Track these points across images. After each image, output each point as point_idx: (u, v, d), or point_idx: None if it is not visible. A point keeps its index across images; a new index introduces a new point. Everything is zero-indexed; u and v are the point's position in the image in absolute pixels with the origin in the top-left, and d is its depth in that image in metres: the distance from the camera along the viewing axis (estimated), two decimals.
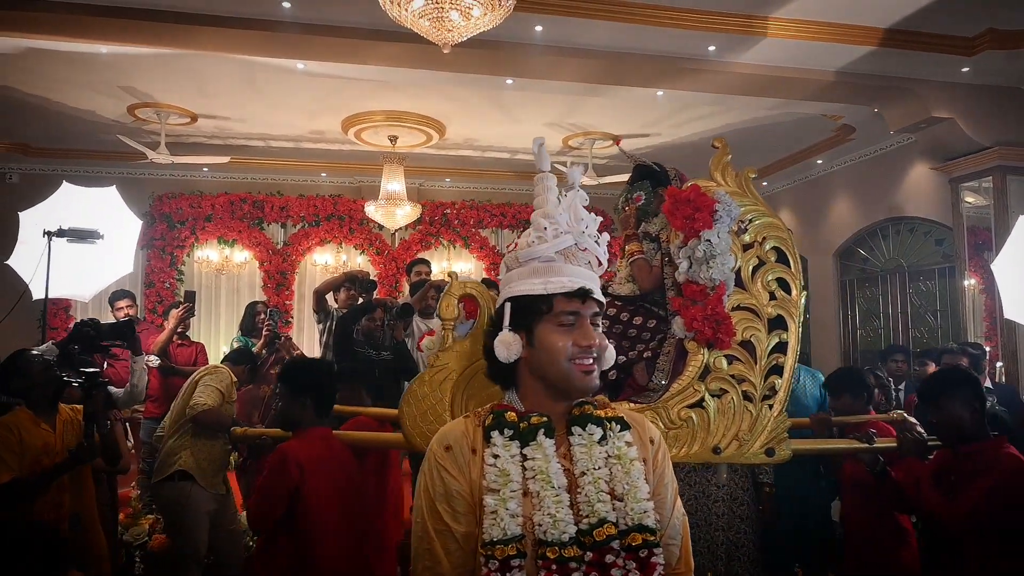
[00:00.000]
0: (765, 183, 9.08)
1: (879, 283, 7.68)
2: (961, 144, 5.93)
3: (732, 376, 2.42)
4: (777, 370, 2.45)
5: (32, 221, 4.32)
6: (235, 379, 3.79)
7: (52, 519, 2.71)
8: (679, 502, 1.43)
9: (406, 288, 6.03)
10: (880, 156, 7.45)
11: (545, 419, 1.35)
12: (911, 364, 5.27)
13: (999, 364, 5.72)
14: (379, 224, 7.85)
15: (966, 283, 6.10)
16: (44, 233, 3.97)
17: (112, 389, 3.74)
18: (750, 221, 2.49)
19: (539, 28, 4.86)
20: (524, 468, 1.31)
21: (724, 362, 2.42)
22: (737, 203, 2.44)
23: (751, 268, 2.47)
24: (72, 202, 4.48)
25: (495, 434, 1.34)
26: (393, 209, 7.32)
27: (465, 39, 3.38)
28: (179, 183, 8.31)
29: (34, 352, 2.95)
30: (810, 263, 8.63)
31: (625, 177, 7.31)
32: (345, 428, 3.22)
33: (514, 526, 1.26)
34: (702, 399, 2.39)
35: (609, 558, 1.24)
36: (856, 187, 7.86)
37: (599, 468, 1.31)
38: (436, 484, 1.33)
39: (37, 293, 4.00)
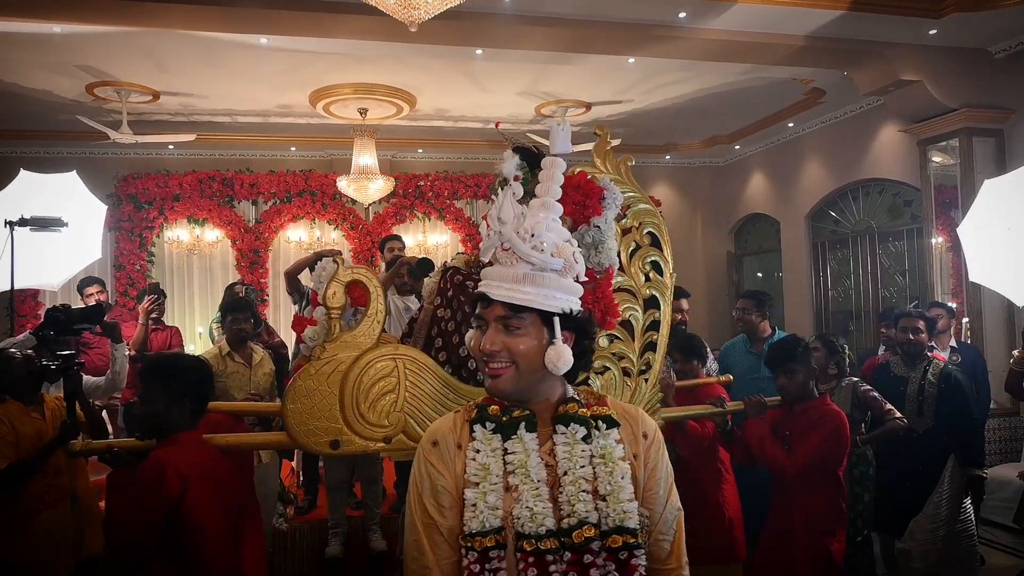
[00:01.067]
0: (738, 146, 9.11)
1: (850, 245, 7.79)
2: (929, 106, 5.98)
3: (613, 354, 2.53)
4: (651, 346, 2.63)
5: None
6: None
7: (53, 500, 2.96)
8: (674, 497, 1.43)
9: (382, 264, 5.99)
10: (850, 119, 7.50)
11: (527, 413, 1.37)
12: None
13: (965, 320, 5.87)
14: (352, 199, 7.75)
15: (933, 241, 6.21)
16: (5, 223, 3.88)
17: (92, 378, 3.74)
18: (628, 207, 2.58)
19: None
20: (505, 462, 1.33)
21: (606, 341, 2.53)
22: (619, 189, 2.52)
23: (629, 252, 2.58)
24: (32, 189, 4.36)
25: (477, 427, 1.37)
26: (366, 183, 7.22)
27: (431, 16, 3.31)
28: (144, 162, 8.11)
29: (12, 350, 3.11)
30: (782, 226, 8.73)
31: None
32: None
33: (493, 519, 1.29)
34: (588, 377, 2.48)
35: (588, 558, 1.27)
36: (827, 150, 7.91)
37: (582, 467, 1.33)
38: (423, 478, 1.36)
39: (2, 284, 3.92)
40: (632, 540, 1.29)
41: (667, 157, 9.61)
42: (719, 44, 5.52)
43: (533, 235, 1.35)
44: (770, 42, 5.53)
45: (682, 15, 5.14)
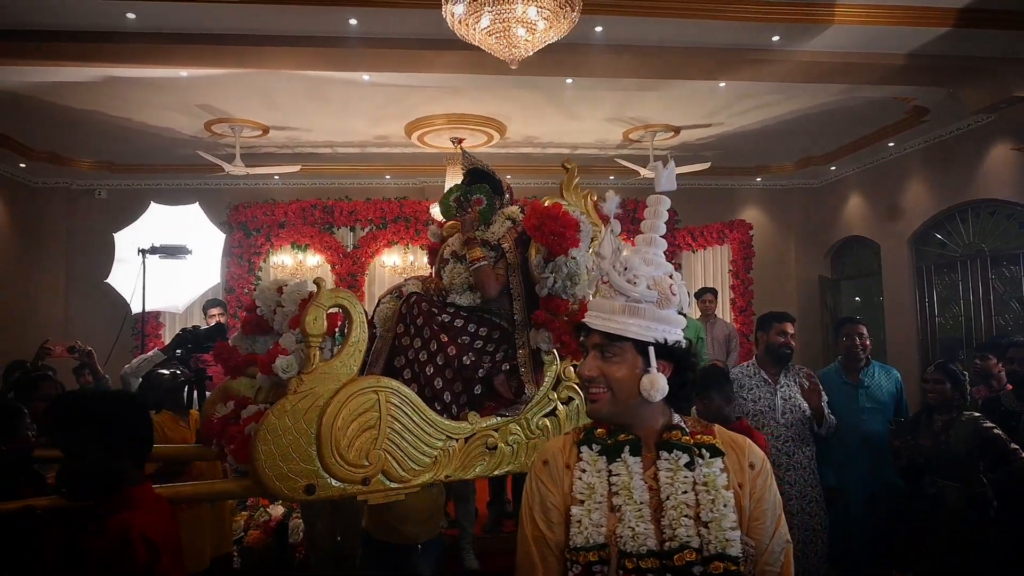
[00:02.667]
0: (833, 167, 8.84)
1: (958, 269, 7.39)
2: None
3: (576, 384, 2.56)
4: None
5: (126, 240, 4.64)
6: None
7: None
8: (783, 528, 1.44)
9: None
10: (956, 137, 7.15)
11: (632, 438, 1.44)
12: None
13: None
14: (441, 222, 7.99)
15: None
16: (138, 251, 4.26)
17: None
18: (593, 239, 2.63)
19: (599, 29, 4.88)
20: (610, 483, 1.40)
21: (572, 371, 2.56)
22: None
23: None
24: (160, 220, 4.78)
25: (584, 449, 1.45)
26: None
27: (531, 53, 3.44)
28: (253, 192, 8.67)
29: (161, 370, 3.45)
30: (883, 249, 8.37)
31: (687, 168, 7.26)
32: None
33: (597, 535, 1.36)
34: (555, 407, 2.52)
35: None
36: (931, 170, 7.56)
37: (684, 493, 1.38)
38: (534, 495, 1.46)
39: (134, 307, 4.30)
40: (733, 568, 1.32)
41: (758, 179, 9.42)
42: (814, 66, 5.44)
43: (626, 268, 1.43)
44: (868, 62, 5.39)
45: (776, 39, 5.09)
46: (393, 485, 2.17)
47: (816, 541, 3.46)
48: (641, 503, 1.37)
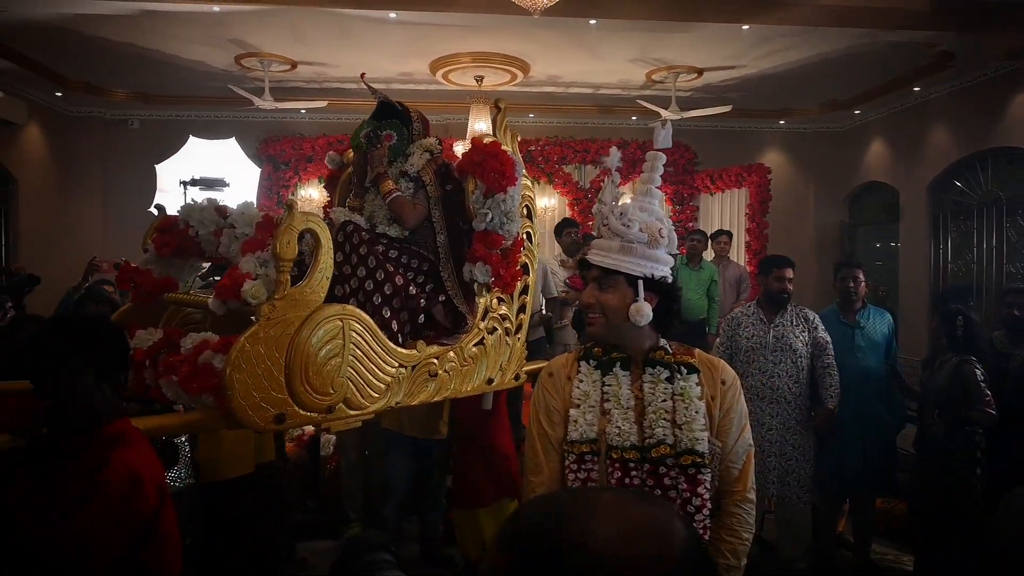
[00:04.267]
0: (857, 111, 8.80)
1: (974, 216, 7.45)
2: None
3: (500, 315, 2.74)
4: (522, 308, 2.85)
5: (167, 171, 4.91)
6: None
7: None
8: (746, 434, 1.74)
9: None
10: (981, 83, 7.10)
11: (622, 356, 1.72)
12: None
13: None
14: None
15: None
16: (180, 183, 4.54)
17: None
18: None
19: None
20: (603, 392, 1.69)
21: (496, 303, 2.72)
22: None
23: None
24: (199, 153, 5.03)
25: (582, 363, 1.75)
26: None
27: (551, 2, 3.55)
28: (281, 126, 8.86)
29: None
30: (901, 195, 8.42)
31: (707, 111, 7.32)
32: None
33: (590, 432, 1.66)
34: (483, 337, 2.69)
35: (662, 470, 1.62)
36: (954, 116, 7.54)
37: (663, 401, 1.66)
38: (540, 400, 1.77)
39: None
40: (699, 460, 1.62)
41: (781, 122, 9.41)
42: (837, 9, 5.46)
43: (622, 214, 1.68)
44: (890, 6, 5.39)
45: None
46: (353, 413, 2.18)
47: (798, 471, 3.71)
48: (627, 408, 1.66)
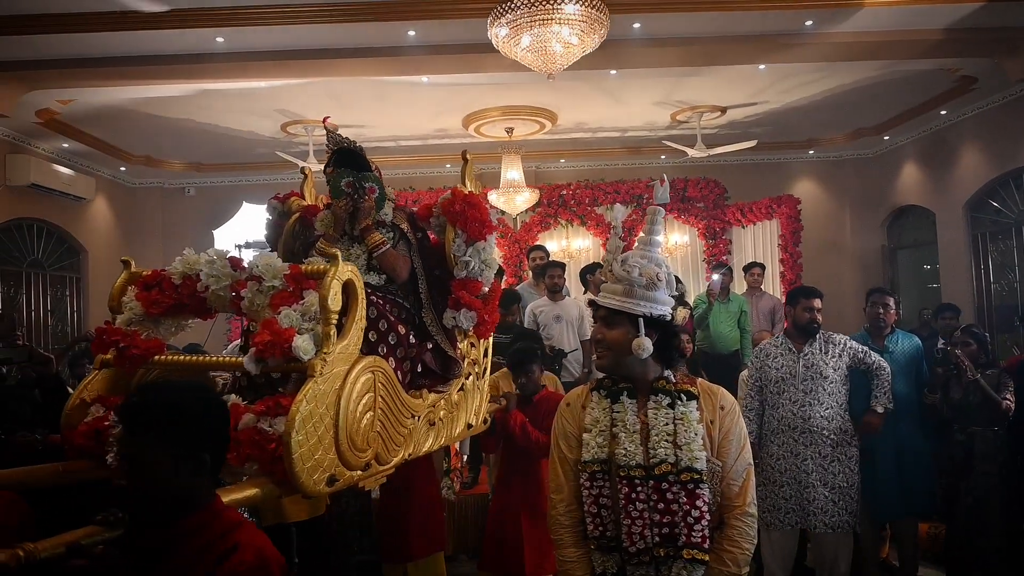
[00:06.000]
0: (887, 137, 8.86)
1: (1013, 235, 7.40)
2: None
3: (473, 361, 2.82)
4: (486, 352, 2.93)
5: (223, 236, 5.31)
6: None
7: None
8: (746, 453, 1.94)
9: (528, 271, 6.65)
10: (1008, 103, 7.14)
11: (629, 386, 1.95)
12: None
13: None
14: (502, 210, 8.49)
15: None
16: (235, 246, 4.91)
17: None
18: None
19: (636, 25, 5.23)
20: (612, 418, 1.92)
21: (468, 348, 2.79)
22: None
23: None
24: (252, 218, 5.42)
25: (594, 393, 2.00)
26: (513, 196, 7.93)
27: (567, 66, 3.84)
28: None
29: None
30: (937, 217, 8.40)
31: (731, 147, 7.50)
32: None
33: (600, 453, 1.90)
34: (463, 383, 2.75)
35: (665, 486, 1.83)
36: (984, 136, 7.56)
37: (665, 425, 1.88)
38: (559, 427, 2.03)
39: None
40: (697, 476, 1.83)
41: (810, 152, 9.51)
42: (851, 46, 5.63)
43: (623, 262, 1.93)
44: (905, 39, 5.54)
45: (809, 23, 5.32)
46: (381, 468, 2.13)
47: (844, 498, 3.74)
48: (633, 431, 1.89)
